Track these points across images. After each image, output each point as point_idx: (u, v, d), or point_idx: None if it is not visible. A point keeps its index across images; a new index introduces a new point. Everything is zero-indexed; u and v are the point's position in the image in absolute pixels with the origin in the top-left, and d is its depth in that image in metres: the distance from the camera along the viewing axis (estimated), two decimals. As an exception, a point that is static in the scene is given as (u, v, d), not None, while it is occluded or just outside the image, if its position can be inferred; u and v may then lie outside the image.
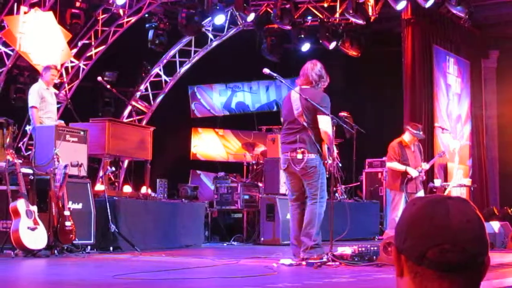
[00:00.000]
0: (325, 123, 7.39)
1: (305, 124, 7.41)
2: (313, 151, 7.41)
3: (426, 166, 10.46)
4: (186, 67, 17.20)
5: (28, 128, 13.72)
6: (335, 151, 7.94)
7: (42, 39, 12.95)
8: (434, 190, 12.86)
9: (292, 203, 7.71)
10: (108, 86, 11.69)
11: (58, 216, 8.22)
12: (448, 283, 1.42)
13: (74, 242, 8.48)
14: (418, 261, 1.43)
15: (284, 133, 7.69)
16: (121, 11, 15.10)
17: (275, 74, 7.58)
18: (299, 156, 7.42)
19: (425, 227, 1.43)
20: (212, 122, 18.92)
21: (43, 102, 9.71)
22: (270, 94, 18.82)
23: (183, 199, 11.73)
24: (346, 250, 7.46)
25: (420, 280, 1.43)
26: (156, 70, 17.00)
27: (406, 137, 10.44)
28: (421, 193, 10.30)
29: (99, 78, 11.30)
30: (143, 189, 11.18)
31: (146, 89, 17.07)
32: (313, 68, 7.59)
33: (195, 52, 17.06)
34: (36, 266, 7.56)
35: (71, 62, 15.03)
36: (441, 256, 1.40)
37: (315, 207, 7.39)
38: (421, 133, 10.49)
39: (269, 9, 15.42)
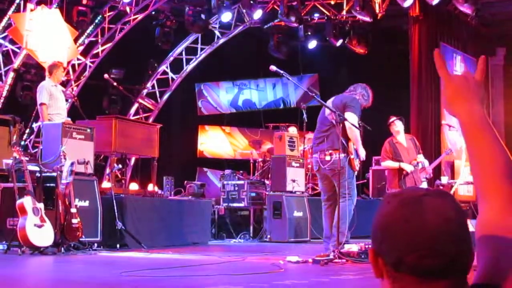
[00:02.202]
0: (351, 120, 7.78)
1: (333, 122, 7.82)
2: (340, 148, 7.73)
3: (421, 158, 10.29)
4: (192, 64, 17.19)
5: (35, 125, 13.72)
6: (363, 152, 8.09)
7: (48, 36, 12.97)
8: (441, 187, 12.83)
9: (324, 202, 8.16)
10: (115, 84, 11.67)
11: (65, 214, 8.22)
12: None
13: (80, 239, 8.49)
14: (396, 267, 1.34)
15: (314, 136, 8.23)
16: (127, 9, 15.11)
17: (282, 71, 7.60)
18: (327, 157, 7.89)
19: (401, 232, 1.33)
20: (219, 119, 18.91)
21: (52, 99, 9.69)
22: (277, 91, 18.80)
23: (190, 197, 11.73)
24: (353, 247, 7.47)
25: (400, 285, 1.35)
26: (163, 67, 17.01)
27: (392, 131, 10.44)
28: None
29: (106, 76, 11.29)
30: (150, 187, 11.19)
31: (153, 87, 17.07)
32: (363, 86, 8.37)
33: (201, 49, 17.05)
34: (43, 263, 7.56)
35: (78, 59, 15.05)
36: (419, 262, 1.31)
37: (345, 205, 7.77)
38: (394, 118, 10.52)
39: (276, 7, 15.40)
